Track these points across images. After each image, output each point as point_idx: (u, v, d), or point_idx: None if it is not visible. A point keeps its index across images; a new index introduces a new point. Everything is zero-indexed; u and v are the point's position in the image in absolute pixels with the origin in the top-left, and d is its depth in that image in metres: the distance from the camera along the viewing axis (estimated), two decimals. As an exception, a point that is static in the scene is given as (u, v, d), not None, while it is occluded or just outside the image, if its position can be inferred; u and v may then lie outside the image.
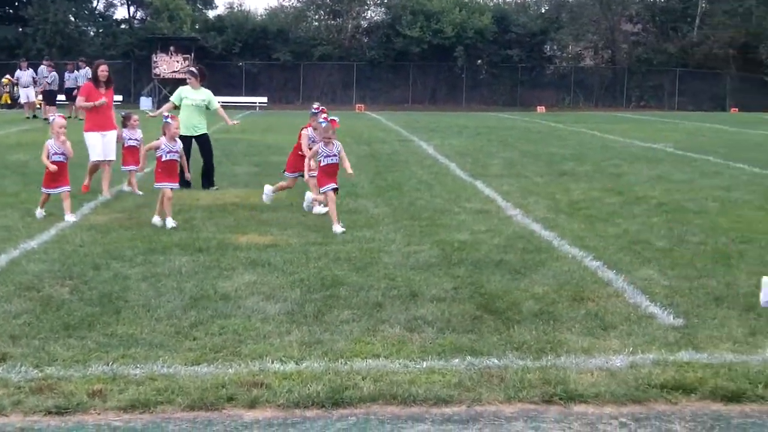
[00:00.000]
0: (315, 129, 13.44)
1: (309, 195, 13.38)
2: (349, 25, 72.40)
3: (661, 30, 74.91)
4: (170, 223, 12.06)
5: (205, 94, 16.78)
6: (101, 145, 15.37)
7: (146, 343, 6.99)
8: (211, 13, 75.04)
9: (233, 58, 68.25)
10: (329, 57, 69.30)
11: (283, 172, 14.43)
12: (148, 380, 6.16)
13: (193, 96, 16.68)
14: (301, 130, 13.94)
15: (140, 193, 15.39)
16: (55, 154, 12.73)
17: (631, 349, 6.94)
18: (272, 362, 6.54)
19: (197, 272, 9.42)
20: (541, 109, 63.07)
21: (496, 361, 6.66)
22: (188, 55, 62.74)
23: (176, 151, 12.63)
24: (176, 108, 16.88)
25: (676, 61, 71.13)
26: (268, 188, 14.28)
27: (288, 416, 5.69)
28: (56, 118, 13.13)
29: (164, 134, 12.55)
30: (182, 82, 61.97)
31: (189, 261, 9.95)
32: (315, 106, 14.01)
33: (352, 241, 11.25)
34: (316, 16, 73.94)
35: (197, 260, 10.01)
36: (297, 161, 14.00)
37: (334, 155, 12.22)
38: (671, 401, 5.97)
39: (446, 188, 16.63)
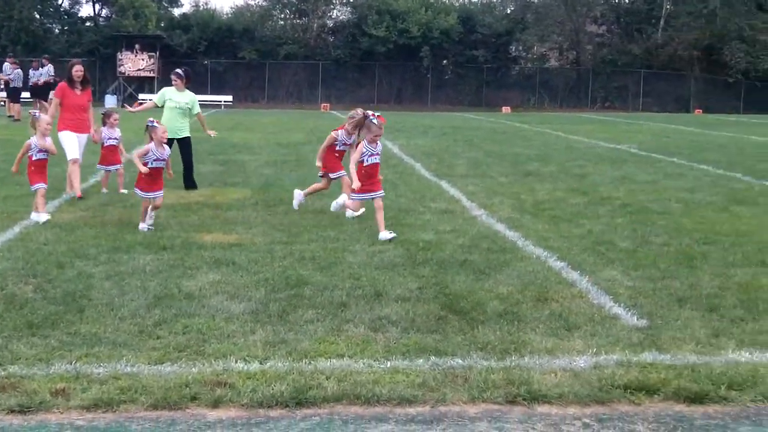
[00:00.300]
0: (348, 133, 13.21)
1: (342, 198, 12.88)
2: (315, 25, 72.36)
3: (625, 31, 75.42)
4: (142, 226, 11.79)
5: (189, 98, 16.45)
6: (76, 144, 15.12)
7: (110, 342, 6.96)
8: (176, 12, 74.83)
9: (198, 57, 68.03)
10: (295, 56, 69.25)
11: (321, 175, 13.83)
12: (112, 379, 6.12)
13: (177, 98, 16.35)
14: (332, 132, 13.54)
15: (105, 191, 15.32)
16: (40, 151, 12.58)
17: (594, 349, 6.97)
18: (236, 362, 6.52)
19: (161, 271, 9.38)
20: (506, 109, 63.31)
21: (460, 361, 6.67)
22: (153, 53, 62.58)
23: (164, 159, 12.15)
24: (158, 108, 16.63)
25: (640, 62, 71.62)
26: (298, 192, 13.92)
27: (252, 416, 5.68)
28: (42, 115, 12.95)
29: (151, 139, 12.08)
30: (147, 79, 61.41)
31: (153, 260, 9.91)
32: (359, 111, 13.36)
33: (316, 240, 11.24)
34: (282, 15, 73.90)
35: (161, 259, 9.97)
36: (331, 162, 13.52)
37: (378, 154, 11.88)
38: (634, 402, 6.00)
39: (411, 188, 16.65)
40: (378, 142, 11.90)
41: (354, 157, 11.92)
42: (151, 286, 8.72)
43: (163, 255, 10.18)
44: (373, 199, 11.81)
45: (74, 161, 14.85)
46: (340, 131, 13.37)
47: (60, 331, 7.24)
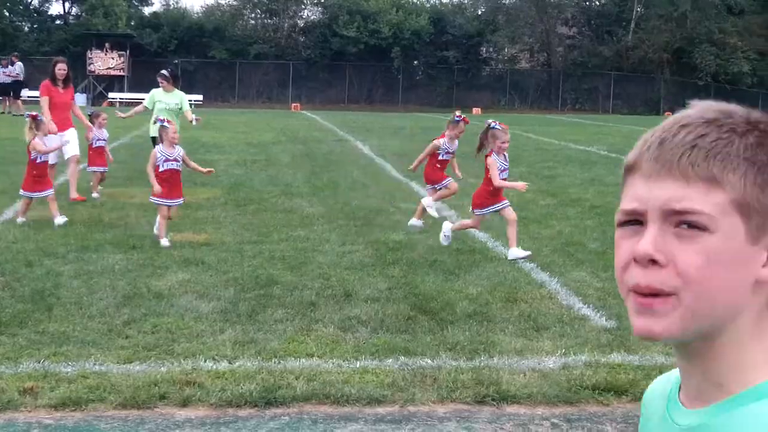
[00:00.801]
0: (451, 139, 12.69)
1: (447, 225, 11.14)
2: (286, 24, 72.21)
3: (596, 34, 75.66)
4: (164, 242, 10.83)
5: (178, 97, 16.13)
6: (58, 146, 14.78)
7: (78, 341, 6.93)
8: (146, 10, 74.38)
9: (169, 56, 67.69)
10: (265, 56, 69.07)
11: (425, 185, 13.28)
12: (80, 378, 6.11)
13: (166, 99, 15.92)
14: (434, 140, 12.96)
15: (96, 195, 14.96)
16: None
17: (563, 350, 7.00)
18: (205, 361, 6.52)
19: (130, 270, 9.36)
20: (476, 110, 63.36)
21: (429, 361, 6.69)
22: (123, 52, 62.26)
23: (175, 159, 11.08)
24: (149, 111, 16.25)
25: (610, 64, 71.89)
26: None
27: (220, 415, 5.68)
28: (45, 117, 12.72)
29: (161, 140, 11.28)
30: (116, 78, 60.74)
31: (122, 259, 9.88)
32: (457, 114, 12.96)
33: (286, 240, 11.24)
34: (253, 15, 73.68)
35: (131, 258, 9.94)
36: (434, 172, 12.85)
37: (507, 168, 10.69)
38: (603, 402, 6.04)
39: (381, 188, 16.67)
40: (506, 153, 10.64)
41: (494, 174, 10.30)
42: (120, 285, 8.70)
43: (132, 254, 10.15)
44: (501, 209, 10.52)
45: (53, 166, 14.61)
46: (442, 139, 12.74)
47: (28, 329, 7.21)
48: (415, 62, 72.94)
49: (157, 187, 10.83)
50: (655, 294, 1.24)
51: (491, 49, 77.38)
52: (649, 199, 1.26)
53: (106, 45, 62.38)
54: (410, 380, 6.28)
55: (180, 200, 11.35)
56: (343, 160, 22.25)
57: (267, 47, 69.22)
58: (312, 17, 74.14)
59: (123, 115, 17.13)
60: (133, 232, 11.46)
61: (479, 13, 76.70)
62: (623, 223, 1.30)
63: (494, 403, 5.98)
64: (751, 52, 68.90)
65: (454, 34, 71.30)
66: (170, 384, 6.04)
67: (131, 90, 58.43)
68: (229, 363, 6.51)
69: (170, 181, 11.07)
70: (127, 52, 62.21)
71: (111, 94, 58.40)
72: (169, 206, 11.09)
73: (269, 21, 72.84)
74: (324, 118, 45.86)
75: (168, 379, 6.12)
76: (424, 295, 8.61)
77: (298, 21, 74.14)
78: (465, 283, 9.17)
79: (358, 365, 6.56)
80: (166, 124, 11.41)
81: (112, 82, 62.62)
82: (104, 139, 15.55)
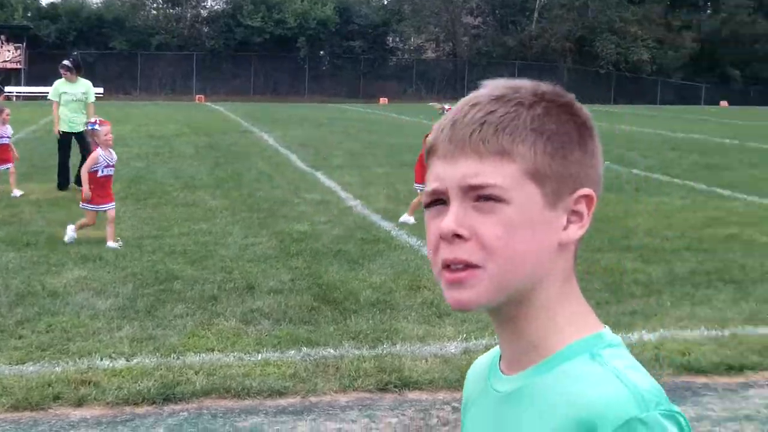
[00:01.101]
0: None
1: None
2: (189, 14, 71.50)
3: (500, 23, 76.41)
4: (70, 233, 10.51)
5: (84, 87, 15.50)
6: None
7: (-32, 343, 6.73)
8: (44, 1, 73.02)
9: (68, 48, 66.48)
10: (168, 47, 68.30)
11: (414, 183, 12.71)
12: (-30, 381, 5.93)
13: (72, 90, 15.33)
14: (425, 137, 12.54)
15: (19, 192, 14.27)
16: None
17: (464, 335, 7.02)
18: (101, 359, 6.38)
19: (24, 268, 9.13)
20: (383, 100, 63.51)
21: (332, 351, 6.65)
22: (20, 44, 61.03)
23: (113, 165, 10.66)
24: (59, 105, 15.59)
25: (515, 54, 72.63)
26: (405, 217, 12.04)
27: (117, 414, 5.55)
28: None
29: (95, 144, 10.59)
30: (13, 71, 59.32)
31: (16, 257, 9.62)
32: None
33: (187, 233, 11.08)
34: (154, 5, 72.80)
35: (24, 255, 9.69)
36: (423, 170, 12.07)
37: None
38: (504, 386, 6.04)
39: (286, 179, 16.55)
40: None
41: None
42: (14, 284, 8.47)
43: (26, 252, 9.90)
44: None
45: None
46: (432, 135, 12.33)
47: None
48: (321, 52, 72.85)
49: (88, 193, 10.39)
50: (462, 268, 1.30)
51: (397, 39, 77.70)
52: (446, 178, 1.33)
53: (2, 37, 61.06)
54: (312, 371, 6.24)
55: (113, 203, 10.71)
56: (247, 151, 22.06)
57: (169, 38, 68.47)
58: (215, 7, 73.51)
59: (57, 130, 15.92)
60: (27, 229, 11.18)
61: (385, 2, 76.94)
62: (429, 205, 1.37)
63: (396, 390, 5.97)
64: (650, 40, 70.23)
65: (360, 23, 71.38)
66: (65, 384, 5.89)
67: (29, 83, 57.27)
68: (127, 360, 6.38)
69: (105, 186, 10.59)
70: (24, 44, 60.97)
71: (8, 88, 57.02)
72: (105, 210, 10.50)
73: (171, 11, 72.03)
74: (228, 109, 45.47)
75: (63, 378, 5.97)
76: (327, 285, 8.57)
77: (202, 11, 73.44)
78: (369, 272, 9.14)
79: (259, 358, 6.49)
80: (97, 126, 10.65)
81: (8, 76, 61.24)
82: (8, 136, 14.83)
